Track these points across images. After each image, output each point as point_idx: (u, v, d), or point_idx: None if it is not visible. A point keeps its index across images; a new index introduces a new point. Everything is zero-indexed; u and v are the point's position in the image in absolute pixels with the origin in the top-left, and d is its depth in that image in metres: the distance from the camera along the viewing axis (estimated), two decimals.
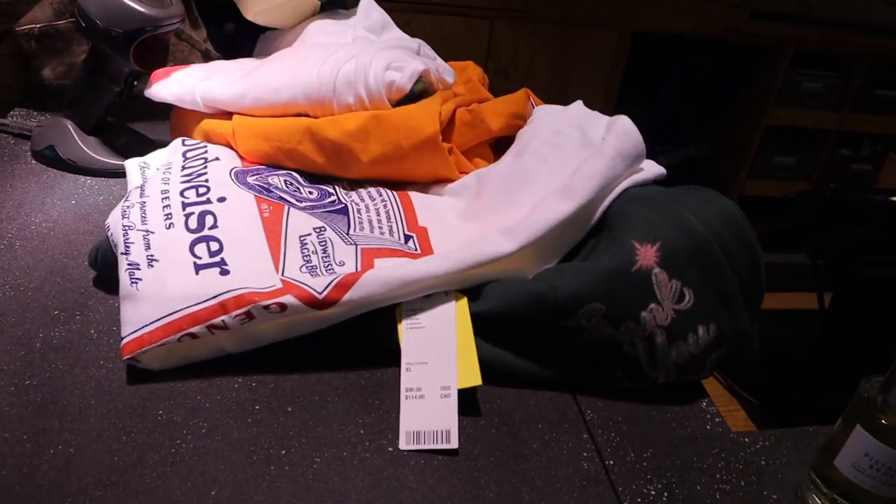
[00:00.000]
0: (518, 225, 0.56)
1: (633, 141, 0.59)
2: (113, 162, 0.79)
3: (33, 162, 0.81)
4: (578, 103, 0.69)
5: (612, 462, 0.53)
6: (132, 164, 0.71)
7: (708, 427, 0.58)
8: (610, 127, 0.60)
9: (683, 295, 0.55)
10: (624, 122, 0.60)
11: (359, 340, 0.58)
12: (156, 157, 0.71)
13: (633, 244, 0.55)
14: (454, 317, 0.56)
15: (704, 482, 0.53)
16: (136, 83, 0.78)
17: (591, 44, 2.19)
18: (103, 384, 0.53)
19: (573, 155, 0.61)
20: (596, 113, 0.66)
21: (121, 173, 0.77)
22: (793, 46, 2.25)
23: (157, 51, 0.73)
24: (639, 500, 0.50)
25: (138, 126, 0.87)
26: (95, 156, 0.79)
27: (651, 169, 0.62)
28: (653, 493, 0.51)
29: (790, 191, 2.51)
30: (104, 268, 0.61)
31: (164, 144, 0.76)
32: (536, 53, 2.15)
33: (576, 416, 0.56)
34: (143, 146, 0.79)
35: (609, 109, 2.27)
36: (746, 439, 0.57)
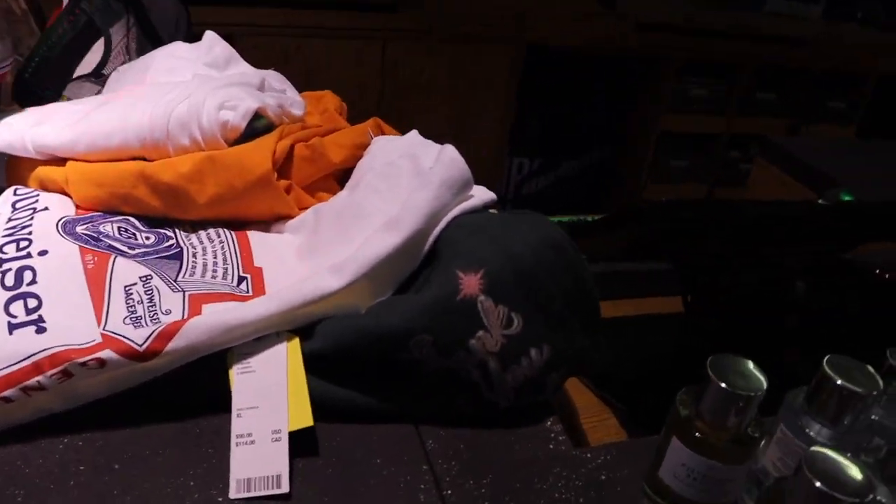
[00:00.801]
0: (346, 260, 0.56)
1: (459, 169, 0.60)
2: None
3: None
4: (414, 133, 0.70)
5: (449, 492, 0.53)
6: None
7: (551, 447, 0.59)
8: (438, 156, 0.61)
9: (511, 320, 0.56)
10: (449, 151, 0.60)
11: (193, 388, 0.56)
12: None
13: (456, 273, 0.55)
14: (285, 358, 0.55)
15: (543, 503, 0.53)
16: None
17: (488, 58, 2.22)
18: None
19: (404, 185, 0.62)
20: (429, 142, 0.67)
21: None
22: (680, 56, 2.33)
23: None
24: None
25: None
26: None
27: (481, 195, 0.62)
28: None
29: (687, 195, 2.60)
30: None
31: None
32: (433, 71, 2.17)
33: (416, 448, 0.56)
34: None
35: (508, 124, 2.31)
36: (588, 454, 0.59)
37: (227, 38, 1.96)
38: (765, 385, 0.47)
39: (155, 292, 0.56)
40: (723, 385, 0.46)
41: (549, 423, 0.61)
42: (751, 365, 0.49)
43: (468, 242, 0.57)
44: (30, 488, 0.49)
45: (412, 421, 0.59)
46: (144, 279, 0.57)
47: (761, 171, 1.50)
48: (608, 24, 2.25)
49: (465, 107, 2.24)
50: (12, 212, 0.65)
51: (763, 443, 0.53)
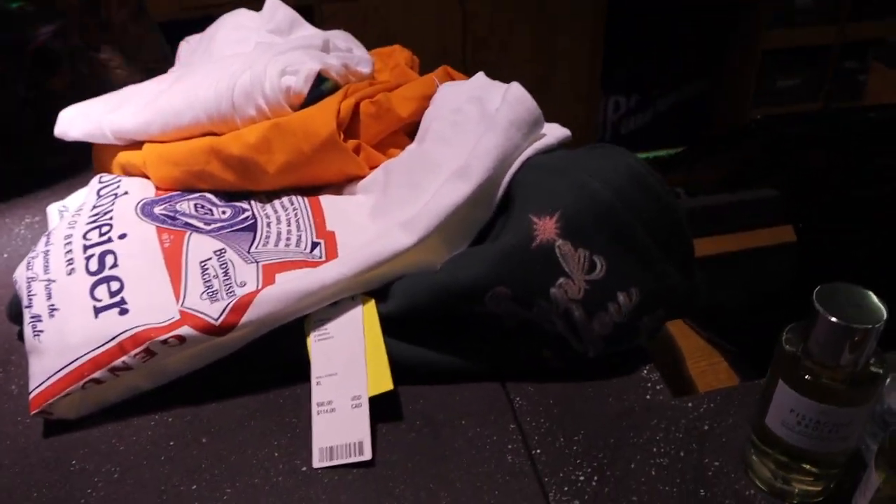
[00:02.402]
0: (416, 215, 0.54)
1: (527, 108, 0.56)
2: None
3: None
4: (479, 75, 0.66)
5: (539, 451, 0.50)
6: (52, 210, 0.70)
7: (647, 397, 0.55)
8: (503, 97, 0.57)
9: (594, 264, 0.52)
10: (515, 90, 0.56)
11: (274, 358, 0.56)
12: (74, 199, 0.71)
13: (530, 218, 0.52)
14: (362, 322, 0.54)
15: (640, 458, 0.50)
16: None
17: (570, 1, 2.13)
18: (18, 441, 0.53)
19: (473, 131, 0.59)
20: (496, 83, 0.63)
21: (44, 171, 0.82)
22: None
23: (50, 57, 0.79)
24: (566, 488, 0.48)
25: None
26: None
27: (554, 133, 0.58)
28: (581, 478, 0.49)
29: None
30: (20, 320, 0.61)
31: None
32: (514, 20, 2.10)
33: (504, 406, 0.54)
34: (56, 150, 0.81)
35: (597, 62, 2.21)
36: (689, 404, 0.54)
37: (306, 7, 1.96)
38: (884, 315, 0.41)
39: (229, 265, 0.56)
40: (833, 318, 0.41)
41: (644, 371, 0.57)
42: (867, 293, 0.43)
43: (541, 184, 0.53)
44: (125, 465, 0.51)
45: (498, 378, 0.56)
46: (219, 253, 0.57)
47: (880, 78, 1.36)
48: None
49: (551, 51, 2.16)
50: (97, 199, 0.66)
51: (889, 380, 0.47)
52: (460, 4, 2.00)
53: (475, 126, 0.59)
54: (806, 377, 0.43)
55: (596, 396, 0.55)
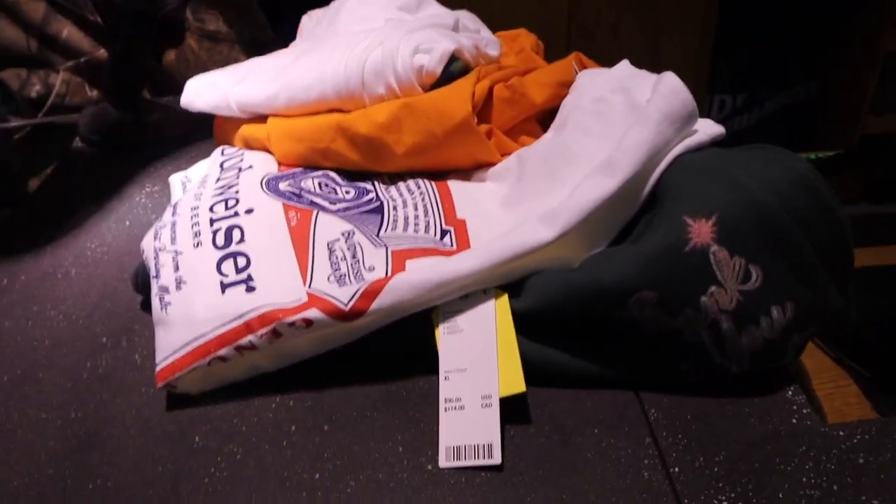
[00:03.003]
0: (558, 209, 0.51)
1: (682, 101, 0.52)
2: (156, 134, 0.88)
3: (92, 186, 0.82)
4: (624, 62, 0.62)
5: (677, 469, 0.47)
6: (175, 180, 0.70)
7: (794, 420, 0.51)
8: (655, 87, 0.53)
9: (749, 273, 0.48)
10: (670, 81, 0.53)
11: (400, 349, 0.54)
12: (197, 170, 0.71)
13: (684, 220, 0.48)
14: (494, 317, 0.51)
15: (788, 488, 0.46)
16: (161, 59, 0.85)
17: None
18: (143, 412, 0.53)
19: (618, 123, 0.55)
20: (643, 72, 0.59)
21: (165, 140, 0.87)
22: None
23: (176, 25, 0.82)
24: None
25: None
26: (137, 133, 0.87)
27: (707, 129, 0.54)
28: (725, 503, 0.45)
29: None
30: (146, 290, 0.60)
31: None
32: (621, 11, 2.03)
33: (638, 418, 0.51)
34: (177, 115, 0.86)
35: (705, 61, 2.12)
36: (841, 432, 0.50)
37: None
38: None
39: (357, 248, 0.54)
40: None
41: (789, 392, 0.53)
42: None
43: (696, 184, 0.50)
44: (247, 446, 0.50)
45: (632, 387, 0.53)
46: (346, 235, 0.55)
47: None
48: None
49: (656, 43, 2.08)
50: (220, 171, 0.65)
51: None
52: None
53: (621, 117, 0.55)
54: None
55: (737, 415, 0.51)
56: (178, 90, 0.75)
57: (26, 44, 0.91)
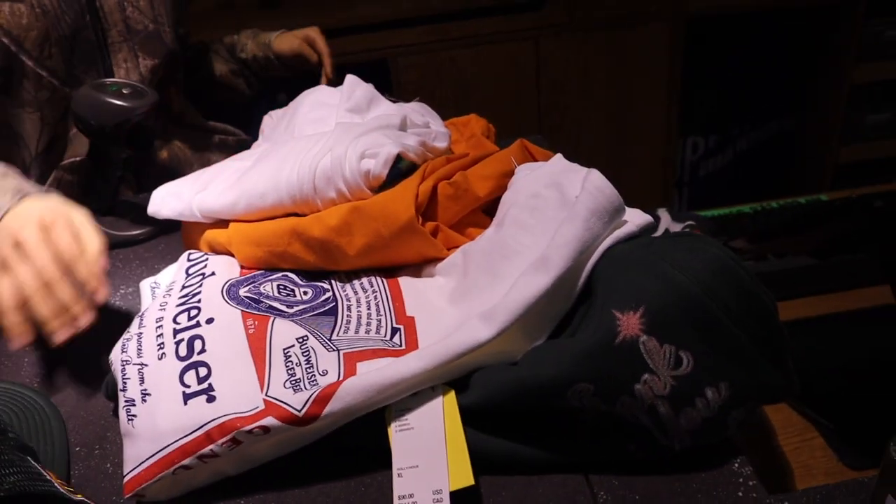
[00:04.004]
0: (496, 307, 0.54)
1: (608, 196, 0.55)
2: (128, 234, 0.91)
3: None
4: (558, 157, 0.66)
5: None
6: (144, 286, 0.73)
7: (740, 494, 0.53)
8: (582, 185, 0.56)
9: (680, 359, 0.51)
10: (595, 179, 0.56)
11: (357, 446, 0.56)
12: (165, 276, 0.73)
13: (613, 314, 0.51)
14: (442, 414, 0.54)
15: None
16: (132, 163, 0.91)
17: (645, 41, 2.11)
18: None
19: (553, 218, 0.58)
20: (575, 166, 0.63)
21: (137, 241, 0.91)
22: None
23: (144, 135, 0.87)
24: None
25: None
26: (113, 232, 0.90)
27: (636, 219, 0.57)
28: None
29: (890, 152, 2.31)
30: (117, 398, 0.63)
31: None
32: (589, 63, 2.09)
33: (587, 500, 0.53)
34: (150, 216, 0.88)
35: (675, 103, 2.18)
36: (786, 503, 0.52)
37: (381, 61, 1.99)
38: None
39: (312, 353, 0.57)
40: None
41: (735, 464, 0.55)
42: None
43: (623, 277, 0.53)
44: None
45: (581, 469, 0.55)
46: (301, 340, 0.58)
47: None
48: None
49: (627, 91, 2.13)
50: (185, 278, 0.68)
51: None
52: (534, 48, 2.01)
53: (554, 213, 0.59)
54: None
55: (684, 491, 0.53)
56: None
57: (37, 140, 0.95)
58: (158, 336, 0.61)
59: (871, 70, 2.21)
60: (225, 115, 1.19)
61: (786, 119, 2.36)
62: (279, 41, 1.15)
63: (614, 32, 2.05)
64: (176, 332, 0.60)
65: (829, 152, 2.30)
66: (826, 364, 0.82)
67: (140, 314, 0.65)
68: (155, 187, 0.78)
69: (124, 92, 0.83)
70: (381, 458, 0.55)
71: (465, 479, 0.51)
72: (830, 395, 0.81)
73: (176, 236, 0.87)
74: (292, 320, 0.61)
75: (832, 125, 2.28)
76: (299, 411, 0.52)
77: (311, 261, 0.67)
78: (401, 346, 0.58)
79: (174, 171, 1.04)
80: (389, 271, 0.68)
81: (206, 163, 1.05)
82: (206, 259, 0.71)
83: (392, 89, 1.88)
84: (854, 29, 2.14)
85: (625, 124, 2.15)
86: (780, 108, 2.35)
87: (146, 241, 0.93)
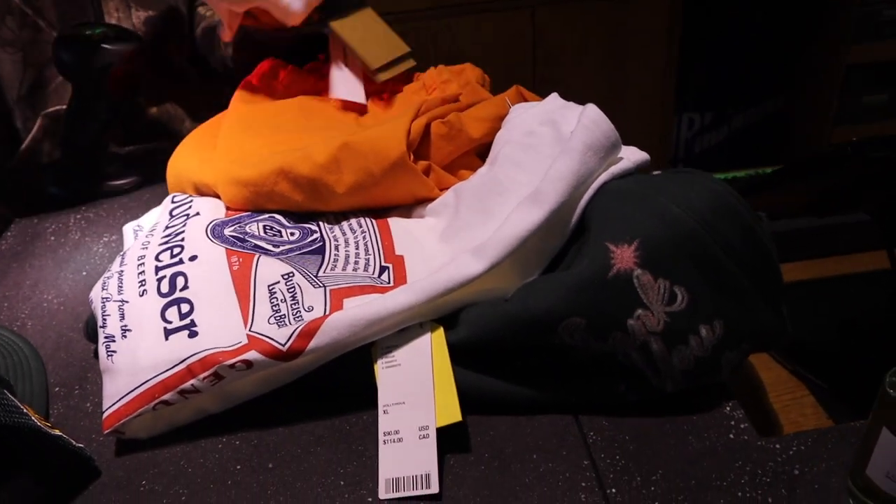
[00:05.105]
0: (487, 241, 0.52)
1: (604, 131, 0.54)
2: (112, 183, 0.90)
3: (52, 238, 0.83)
4: (553, 96, 0.64)
5: (614, 490, 0.48)
6: (127, 229, 0.72)
7: (731, 436, 0.52)
8: (578, 119, 0.55)
9: (675, 295, 0.50)
10: (591, 113, 0.54)
11: (343, 384, 0.55)
12: (148, 219, 0.72)
13: (606, 246, 0.50)
14: (430, 351, 0.52)
15: (724, 503, 0.47)
16: (117, 112, 0.89)
17: (642, 14, 2.09)
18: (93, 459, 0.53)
19: (547, 155, 0.57)
20: (571, 104, 0.61)
21: (121, 191, 0.90)
22: None
23: (129, 80, 0.86)
24: None
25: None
26: (99, 181, 0.90)
27: (632, 156, 0.56)
28: None
29: (884, 132, 2.31)
30: (97, 339, 0.61)
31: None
32: (585, 35, 2.07)
33: (577, 441, 0.52)
34: (134, 165, 0.92)
35: (671, 79, 2.16)
36: (777, 445, 0.51)
37: None
38: None
39: (297, 290, 0.56)
40: None
41: (727, 408, 0.54)
42: None
43: (618, 211, 0.51)
44: (193, 487, 0.50)
45: (571, 410, 0.54)
46: (286, 277, 0.57)
47: None
48: None
49: (622, 66, 2.11)
50: (169, 219, 0.67)
51: None
52: (531, 19, 1.98)
53: (549, 149, 0.57)
54: None
55: (675, 433, 0.52)
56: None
57: (19, 83, 0.93)
58: (140, 273, 0.59)
59: (867, 51, 2.20)
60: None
61: (781, 98, 2.35)
62: None
63: (611, 5, 2.03)
64: (158, 269, 0.59)
65: (822, 133, 2.29)
66: (819, 324, 0.81)
67: (122, 253, 0.63)
68: (142, 140, 0.77)
69: (109, 35, 0.81)
70: (366, 397, 0.54)
71: (453, 415, 0.50)
72: (823, 354, 0.80)
73: (161, 187, 0.85)
74: (278, 258, 0.59)
75: (826, 105, 2.27)
76: (283, 345, 0.51)
77: (298, 200, 0.65)
78: (389, 283, 0.57)
79: (164, 127, 1.02)
80: (378, 213, 0.66)
81: (199, 120, 1.03)
82: (191, 201, 0.69)
83: None
84: (850, 9, 2.13)
85: (620, 99, 2.14)
86: (776, 87, 2.34)
87: (131, 192, 0.91)
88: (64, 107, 0.95)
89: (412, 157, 0.62)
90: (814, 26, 2.24)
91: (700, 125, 2.30)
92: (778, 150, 2.40)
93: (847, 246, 0.91)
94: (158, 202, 0.75)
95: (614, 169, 0.55)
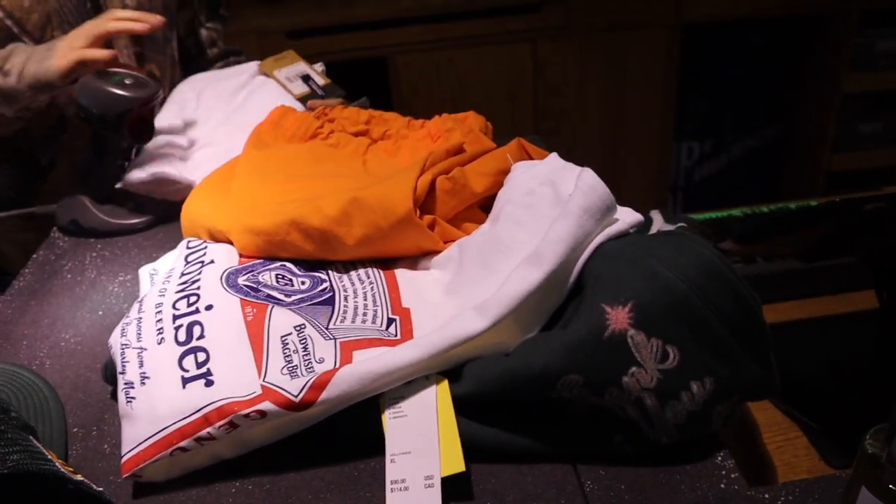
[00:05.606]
0: (490, 300, 0.55)
1: (600, 195, 0.57)
2: (127, 222, 0.94)
3: (69, 276, 0.86)
4: (553, 156, 0.67)
5: None
6: (143, 273, 0.74)
7: (722, 486, 0.54)
8: (576, 183, 0.58)
9: (667, 353, 0.52)
10: (587, 177, 0.58)
11: (351, 433, 0.58)
12: (164, 263, 0.75)
13: (602, 308, 0.53)
14: (435, 402, 0.55)
15: None
16: (133, 154, 0.93)
17: (641, 46, 2.13)
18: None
19: (546, 215, 0.60)
20: (570, 165, 0.64)
21: (136, 230, 0.93)
22: (857, 7, 2.11)
23: (145, 124, 0.89)
24: None
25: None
26: (112, 220, 0.93)
27: (626, 218, 0.59)
28: None
29: (880, 162, 2.34)
30: (115, 381, 0.64)
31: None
32: (586, 66, 2.11)
33: (574, 490, 0.54)
34: (149, 205, 0.95)
35: (670, 109, 2.20)
36: (766, 495, 0.54)
37: (380, 59, 2.01)
38: None
39: (309, 341, 0.58)
40: None
41: (718, 458, 0.57)
42: None
43: (613, 273, 0.54)
44: None
45: (569, 460, 0.57)
46: (299, 328, 0.59)
47: None
48: None
49: (623, 96, 2.16)
50: (185, 265, 0.70)
51: None
52: (532, 52, 2.02)
53: (548, 210, 0.60)
54: (890, 486, 0.42)
55: (668, 482, 0.55)
56: None
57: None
58: (158, 321, 0.62)
59: (862, 80, 2.24)
60: None
61: (779, 126, 2.39)
62: None
63: (611, 37, 2.07)
64: (175, 317, 0.62)
65: (820, 160, 2.33)
66: (810, 365, 0.83)
67: (139, 300, 0.66)
68: None
69: (127, 82, 0.84)
70: (374, 444, 0.56)
71: (457, 465, 0.52)
72: (814, 394, 0.83)
73: (174, 226, 0.88)
74: (290, 309, 0.62)
75: (824, 133, 2.30)
76: (296, 397, 0.54)
77: (309, 250, 0.68)
78: (396, 336, 0.60)
79: None
80: (386, 263, 0.69)
81: None
82: (206, 247, 0.72)
83: (391, 88, 1.90)
84: (846, 39, 2.17)
85: (621, 129, 2.17)
86: (774, 116, 2.38)
87: (145, 230, 0.94)
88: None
89: (418, 212, 0.65)
90: (811, 56, 2.28)
91: (700, 153, 2.34)
92: (777, 177, 2.43)
93: (836, 286, 0.94)
94: (172, 241, 0.78)
95: (610, 230, 0.58)
